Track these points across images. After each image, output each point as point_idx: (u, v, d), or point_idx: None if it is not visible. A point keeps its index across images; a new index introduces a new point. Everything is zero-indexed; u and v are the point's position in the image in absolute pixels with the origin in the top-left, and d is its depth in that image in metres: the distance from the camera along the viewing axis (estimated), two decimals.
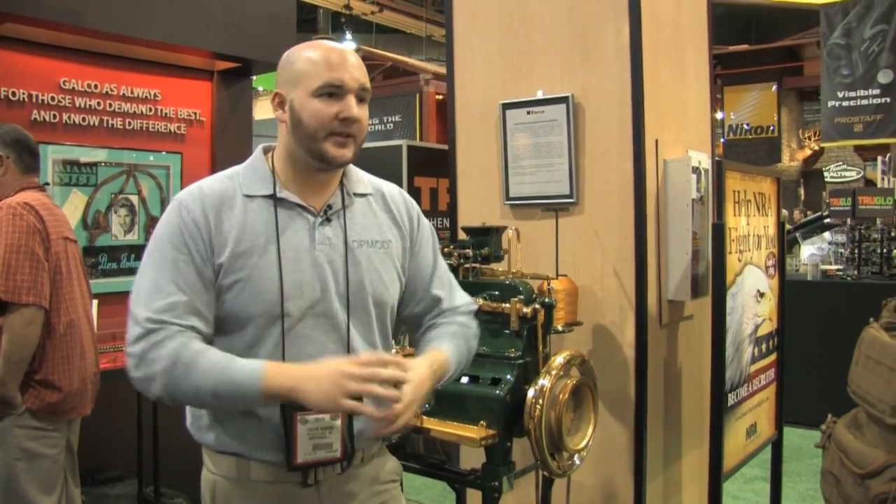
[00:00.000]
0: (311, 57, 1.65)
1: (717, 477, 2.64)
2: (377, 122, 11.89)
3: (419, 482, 4.44)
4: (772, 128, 13.30)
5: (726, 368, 2.70)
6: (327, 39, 1.74)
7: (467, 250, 2.62)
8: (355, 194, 1.77)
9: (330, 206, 1.71)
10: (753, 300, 2.94)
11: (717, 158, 3.07)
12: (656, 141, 2.92)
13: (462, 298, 1.97)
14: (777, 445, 3.29)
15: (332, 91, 1.61)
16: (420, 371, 1.63)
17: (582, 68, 2.95)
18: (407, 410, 1.55)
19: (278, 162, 1.71)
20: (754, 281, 2.94)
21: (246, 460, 1.67)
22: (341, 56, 1.64)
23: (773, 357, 3.17)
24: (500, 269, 2.68)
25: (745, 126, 13.63)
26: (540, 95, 3.02)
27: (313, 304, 1.65)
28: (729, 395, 2.74)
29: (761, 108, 13.50)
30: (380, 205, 1.82)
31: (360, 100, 1.66)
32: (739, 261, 2.81)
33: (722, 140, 14.18)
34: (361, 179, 1.82)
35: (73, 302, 2.92)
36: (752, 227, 2.92)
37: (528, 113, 3.03)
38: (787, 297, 3.28)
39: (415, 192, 7.24)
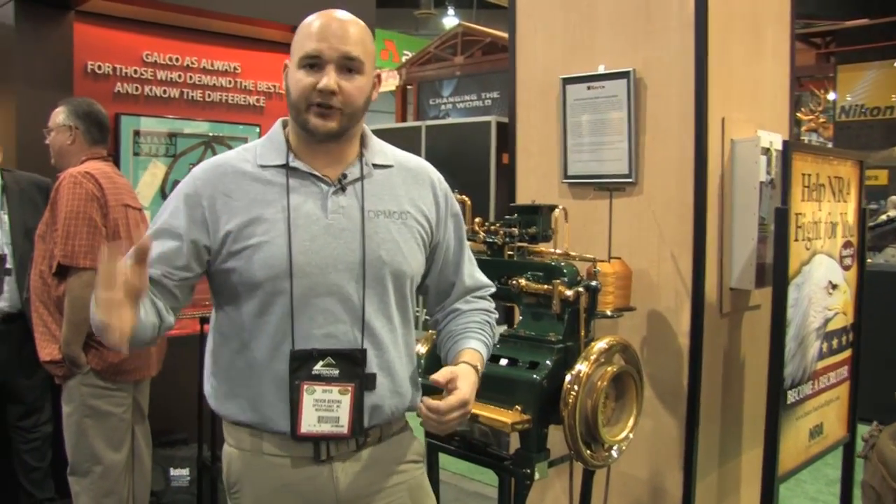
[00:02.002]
0: (303, 26, 1.63)
1: (770, 479, 2.49)
2: (475, 98, 11.80)
3: None
4: (891, 109, 12.44)
5: (787, 364, 2.54)
6: (339, 9, 1.69)
7: (513, 229, 2.54)
8: (374, 165, 1.73)
9: (345, 176, 1.67)
10: (823, 292, 2.75)
11: (785, 140, 2.86)
12: (722, 119, 2.76)
13: (483, 277, 1.93)
14: (849, 448, 3.08)
15: (312, 62, 1.59)
16: (470, 380, 1.67)
17: (645, 42, 2.81)
18: (457, 418, 1.61)
19: (292, 134, 1.70)
20: (825, 271, 2.75)
21: (259, 433, 1.66)
22: (328, 25, 1.60)
23: (846, 354, 2.96)
24: (550, 250, 2.59)
25: (860, 107, 12.81)
26: (602, 70, 2.89)
27: (324, 272, 1.62)
28: (789, 392, 2.58)
29: (878, 87, 12.64)
30: (402, 177, 1.76)
31: (348, 70, 1.60)
32: (807, 249, 2.63)
33: (832, 122, 13.36)
34: (383, 151, 1.77)
35: None
36: (824, 213, 2.73)
37: (589, 88, 2.92)
38: (878, 290, 3.07)
39: (502, 168, 7.18)
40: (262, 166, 1.66)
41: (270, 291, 1.61)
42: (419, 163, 1.83)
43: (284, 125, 1.73)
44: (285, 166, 1.65)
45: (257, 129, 4.54)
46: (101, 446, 2.96)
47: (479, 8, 17.17)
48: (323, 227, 1.63)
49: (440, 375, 1.62)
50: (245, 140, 4.50)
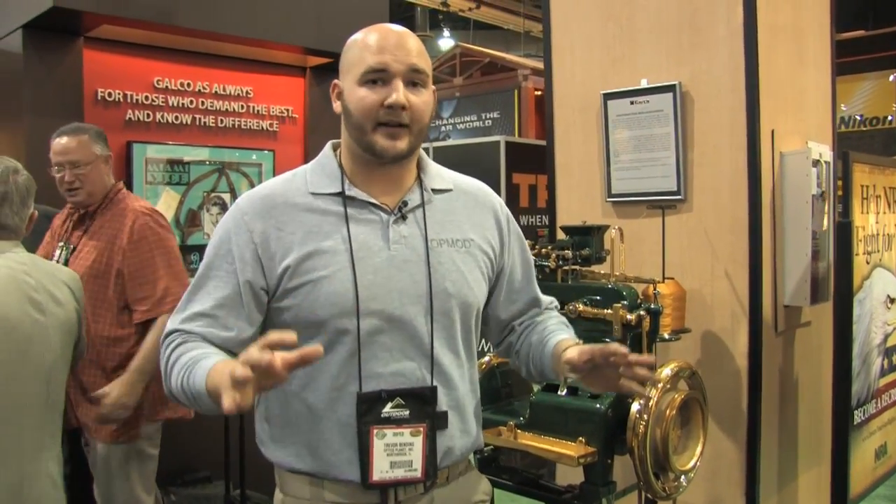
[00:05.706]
0: (359, 41, 1.52)
1: None
2: (475, 118, 11.76)
3: None
4: (889, 118, 12.54)
5: (852, 382, 2.44)
6: (394, 24, 1.59)
7: (566, 251, 2.44)
8: (434, 190, 1.62)
9: (405, 203, 1.57)
10: (883, 307, 2.66)
11: (843, 151, 2.78)
12: (772, 132, 2.68)
13: (546, 296, 1.83)
14: None
15: (377, 77, 1.47)
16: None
17: (690, 54, 2.73)
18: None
19: (345, 158, 1.59)
20: (884, 285, 2.66)
21: (320, 480, 1.55)
22: (390, 38, 1.50)
23: None
24: (602, 272, 2.49)
25: (857, 117, 12.88)
26: (644, 84, 2.81)
27: (389, 308, 1.51)
28: (855, 412, 2.48)
29: (877, 98, 12.71)
30: (461, 202, 1.65)
31: (414, 84, 1.50)
32: (867, 263, 2.55)
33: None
34: (441, 175, 1.67)
35: None
36: (881, 225, 2.65)
37: (632, 103, 2.83)
38: None
39: (513, 189, 7.10)
40: (315, 194, 1.55)
41: (333, 330, 1.50)
42: (478, 185, 1.73)
43: (335, 148, 1.63)
44: (341, 194, 1.55)
45: (271, 155, 4.43)
46: (139, 490, 2.82)
47: (474, 29, 17.20)
48: (385, 258, 1.52)
49: (576, 357, 1.48)
50: (259, 166, 4.39)
